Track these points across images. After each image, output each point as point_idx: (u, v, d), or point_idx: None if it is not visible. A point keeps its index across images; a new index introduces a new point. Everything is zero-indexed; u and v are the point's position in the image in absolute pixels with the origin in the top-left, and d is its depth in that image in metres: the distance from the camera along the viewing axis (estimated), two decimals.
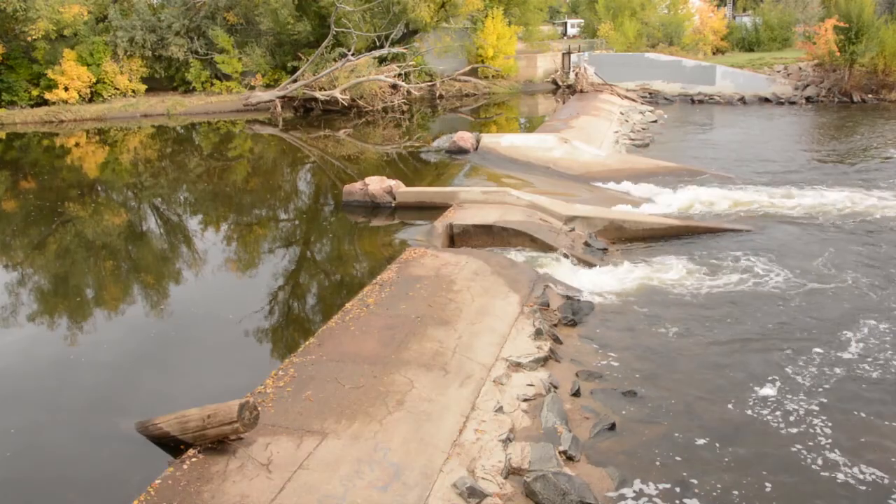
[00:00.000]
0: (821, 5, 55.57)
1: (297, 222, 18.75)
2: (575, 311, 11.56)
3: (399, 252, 13.86)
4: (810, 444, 8.01)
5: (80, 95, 38.94)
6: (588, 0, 61.78)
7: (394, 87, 40.00)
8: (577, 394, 9.13)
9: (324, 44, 38.15)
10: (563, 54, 46.75)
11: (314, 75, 37.73)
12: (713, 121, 34.08)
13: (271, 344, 10.94)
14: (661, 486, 7.33)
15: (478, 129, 29.81)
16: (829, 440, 8.05)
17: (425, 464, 7.06)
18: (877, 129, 29.31)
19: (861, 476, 7.43)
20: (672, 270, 13.42)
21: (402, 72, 40.53)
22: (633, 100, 39.82)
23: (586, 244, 14.92)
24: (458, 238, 15.05)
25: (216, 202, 21.13)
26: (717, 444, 8.04)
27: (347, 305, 10.98)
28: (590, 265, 13.79)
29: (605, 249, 14.90)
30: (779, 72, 41.70)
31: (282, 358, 9.75)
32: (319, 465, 6.90)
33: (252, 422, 7.09)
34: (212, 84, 42.14)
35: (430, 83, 43.34)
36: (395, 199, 17.90)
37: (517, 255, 14.08)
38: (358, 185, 18.25)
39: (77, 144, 32.53)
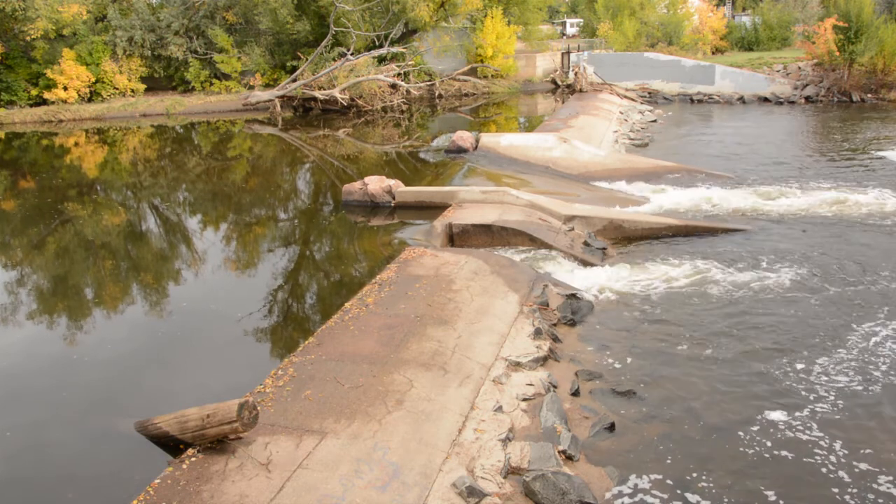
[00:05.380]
0: (820, 5, 55.54)
1: (296, 222, 18.74)
2: (574, 311, 11.57)
3: (398, 252, 13.86)
4: (811, 443, 8.02)
5: (79, 95, 38.93)
6: None
7: (393, 86, 40.01)
8: (576, 393, 9.14)
9: (323, 43, 38.15)
10: (563, 54, 46.75)
11: (313, 75, 37.72)
12: (712, 120, 34.08)
13: (271, 343, 10.94)
14: (659, 486, 7.33)
15: (477, 128, 29.81)
16: (831, 441, 8.06)
17: (424, 463, 7.06)
18: (876, 128, 29.32)
19: (862, 477, 7.44)
20: (671, 270, 13.43)
21: (402, 71, 40.55)
22: (633, 99, 39.84)
23: (585, 244, 14.92)
24: (457, 237, 15.05)
25: (215, 202, 21.13)
26: (717, 444, 8.05)
27: (347, 305, 10.98)
28: (589, 265, 13.79)
29: (605, 249, 14.90)
30: (778, 71, 41.73)
31: (281, 357, 9.76)
32: (319, 464, 6.90)
33: (251, 421, 7.09)
34: (211, 84, 42.14)
35: (429, 83, 43.34)
36: (394, 198, 17.90)
37: (516, 255, 14.09)
38: (357, 185, 18.25)
39: (76, 144, 32.51)
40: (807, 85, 39.05)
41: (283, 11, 38.90)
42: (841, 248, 14.53)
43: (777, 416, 8.55)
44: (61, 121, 37.74)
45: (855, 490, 7.21)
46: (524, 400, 8.71)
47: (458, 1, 41.56)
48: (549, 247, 14.20)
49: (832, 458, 7.72)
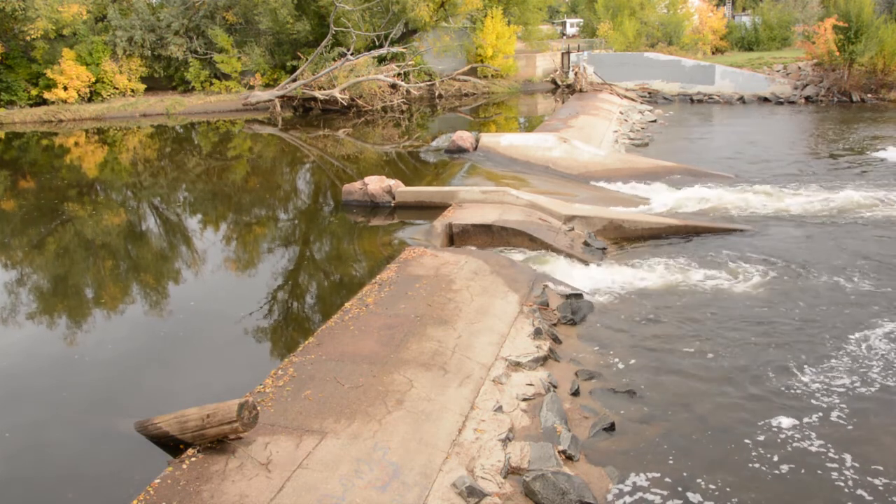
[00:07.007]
0: (820, 5, 55.52)
1: (296, 222, 18.74)
2: (574, 311, 11.56)
3: (398, 251, 13.86)
4: (811, 443, 8.01)
5: (79, 95, 38.93)
6: None
7: (393, 86, 40.01)
8: (576, 393, 9.14)
9: (323, 43, 38.15)
10: (563, 54, 46.75)
11: (313, 75, 37.72)
12: (712, 120, 34.09)
13: (271, 343, 10.94)
14: (659, 486, 7.33)
15: (477, 128, 29.81)
16: (831, 441, 8.05)
17: (424, 463, 7.06)
18: (876, 128, 29.32)
19: (868, 480, 7.43)
20: (671, 270, 13.42)
21: (402, 71, 40.55)
22: (633, 99, 39.84)
23: (585, 243, 14.92)
24: (457, 237, 15.05)
25: (215, 202, 21.13)
26: (717, 444, 8.04)
27: (347, 305, 10.98)
28: (589, 264, 13.79)
29: (605, 249, 14.91)
30: (778, 71, 41.73)
31: (281, 357, 9.76)
32: (319, 464, 6.90)
33: (251, 421, 7.09)
34: (211, 83, 42.13)
35: (429, 83, 43.34)
36: (394, 198, 17.90)
37: (516, 255, 14.08)
38: (357, 185, 18.25)
39: (76, 144, 32.50)
40: (807, 85, 39.05)
41: (283, 11, 38.90)
42: (844, 247, 14.52)
43: (780, 418, 8.53)
44: (61, 121, 37.74)
45: (862, 492, 7.21)
46: (524, 400, 8.71)
47: (458, 1, 41.55)
48: (549, 247, 14.20)
49: (838, 465, 7.70)
